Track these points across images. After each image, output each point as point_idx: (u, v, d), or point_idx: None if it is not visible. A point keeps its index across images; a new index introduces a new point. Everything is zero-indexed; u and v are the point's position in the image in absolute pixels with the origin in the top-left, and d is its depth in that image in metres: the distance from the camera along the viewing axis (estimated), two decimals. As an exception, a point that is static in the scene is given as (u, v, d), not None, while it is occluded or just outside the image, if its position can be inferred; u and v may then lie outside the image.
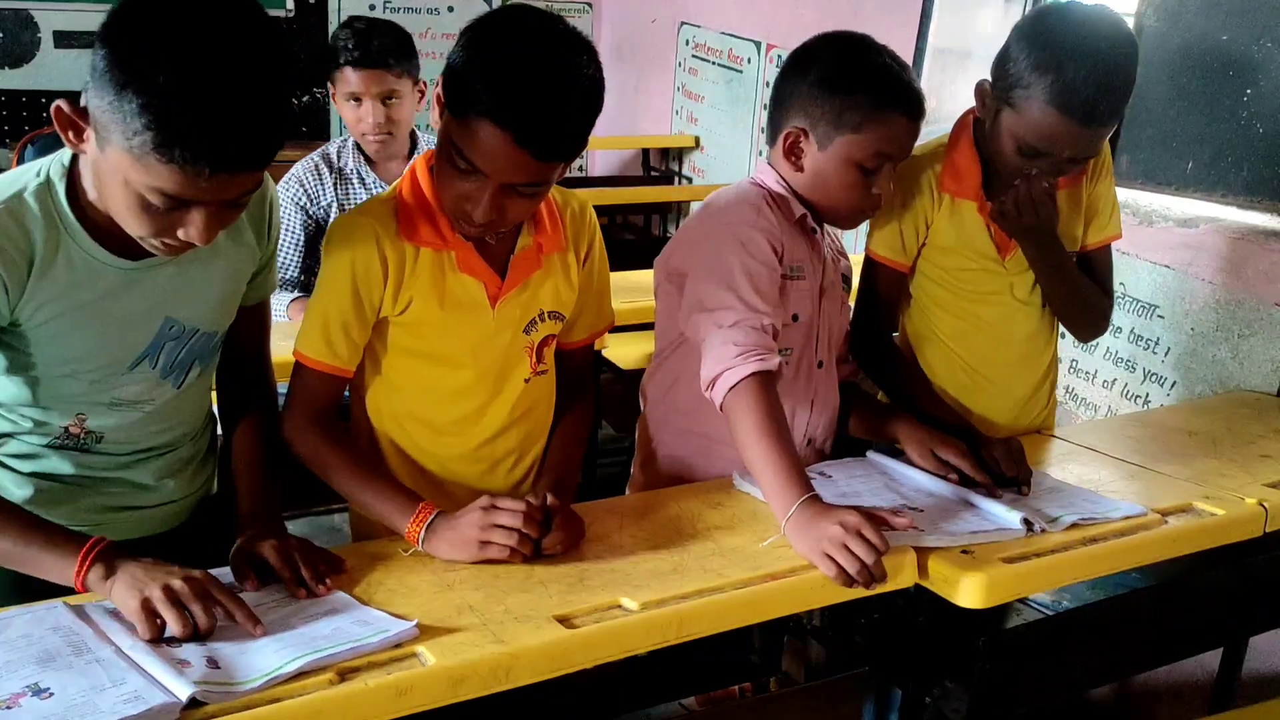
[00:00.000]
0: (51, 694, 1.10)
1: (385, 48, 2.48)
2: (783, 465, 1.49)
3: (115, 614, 1.25)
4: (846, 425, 1.90)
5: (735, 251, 1.63)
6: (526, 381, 1.62)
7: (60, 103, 1.20)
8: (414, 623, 1.25)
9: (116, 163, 1.18)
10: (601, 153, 5.19)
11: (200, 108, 1.13)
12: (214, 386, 1.60)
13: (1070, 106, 1.66)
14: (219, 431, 1.63)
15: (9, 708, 1.08)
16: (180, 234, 1.24)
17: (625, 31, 5.05)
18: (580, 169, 5.28)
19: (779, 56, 3.82)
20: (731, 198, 1.72)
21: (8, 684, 1.12)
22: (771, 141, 1.75)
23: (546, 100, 1.37)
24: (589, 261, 1.67)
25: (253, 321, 1.58)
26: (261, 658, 1.18)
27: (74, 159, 1.32)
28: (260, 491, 1.48)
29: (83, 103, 1.20)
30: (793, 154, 1.69)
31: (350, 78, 2.48)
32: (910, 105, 1.64)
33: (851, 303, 1.94)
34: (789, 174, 1.71)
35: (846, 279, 1.88)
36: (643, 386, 1.83)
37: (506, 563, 1.40)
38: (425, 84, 2.57)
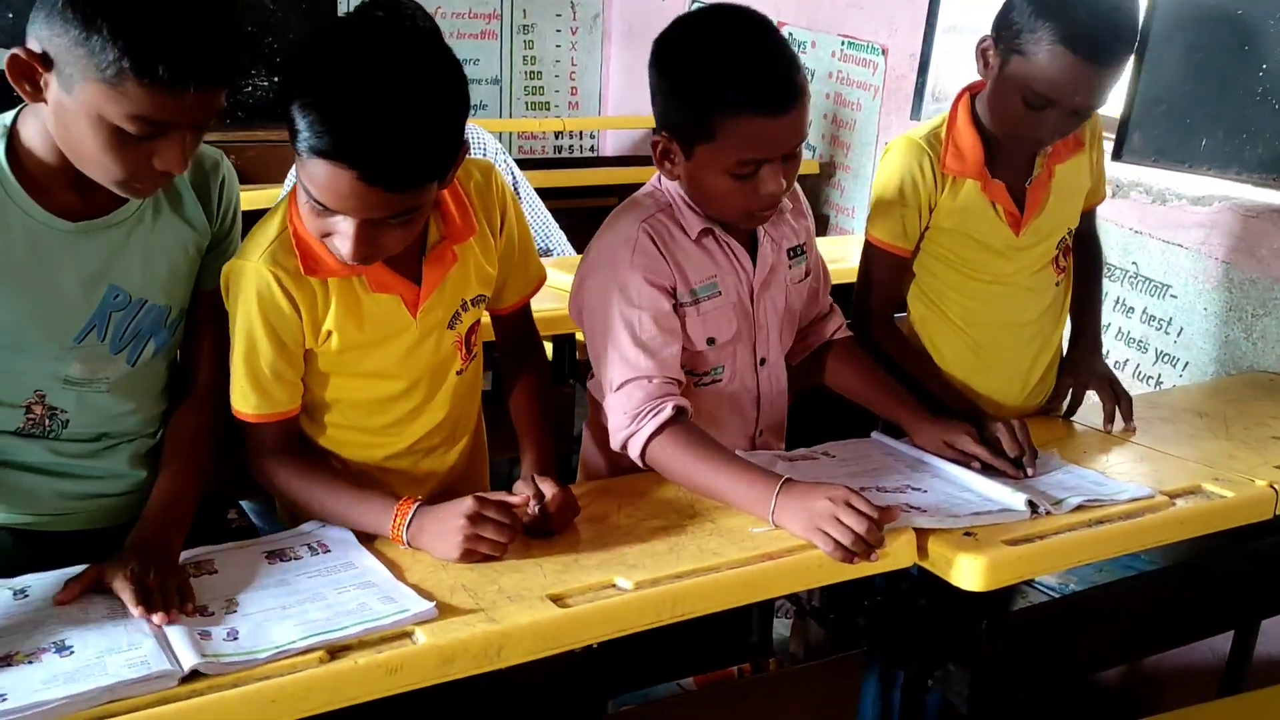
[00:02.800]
0: (72, 652, 1.14)
1: None
2: (735, 476, 1.48)
3: None
4: (842, 382, 1.83)
5: (614, 301, 1.55)
6: (459, 374, 1.59)
7: (17, 50, 1.19)
8: (433, 604, 1.24)
9: (87, 99, 1.18)
10: (612, 133, 5.17)
11: (173, 23, 1.15)
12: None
13: (1080, 44, 1.65)
14: None
15: (30, 662, 1.12)
16: (156, 163, 1.24)
17: (636, 11, 5.01)
18: (591, 149, 5.26)
19: (790, 34, 3.78)
20: (612, 232, 1.61)
21: (37, 639, 1.16)
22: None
23: (388, 129, 1.22)
24: (505, 228, 1.57)
25: (208, 307, 1.50)
26: (281, 630, 1.20)
27: (15, 121, 1.31)
28: (165, 503, 1.38)
29: (36, 48, 1.19)
30: (665, 161, 1.57)
31: None
32: (769, 103, 1.46)
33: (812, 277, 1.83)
34: (672, 181, 1.60)
35: (796, 251, 1.74)
36: (590, 389, 1.74)
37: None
38: None
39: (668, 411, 1.52)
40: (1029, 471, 1.65)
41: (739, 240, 1.65)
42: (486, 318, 1.65)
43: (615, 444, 1.57)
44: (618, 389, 1.55)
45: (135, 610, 1.20)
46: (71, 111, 1.20)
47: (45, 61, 1.19)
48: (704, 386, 1.68)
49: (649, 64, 1.58)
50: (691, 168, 1.55)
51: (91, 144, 1.22)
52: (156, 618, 1.19)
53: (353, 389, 1.52)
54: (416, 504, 1.39)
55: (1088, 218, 2.06)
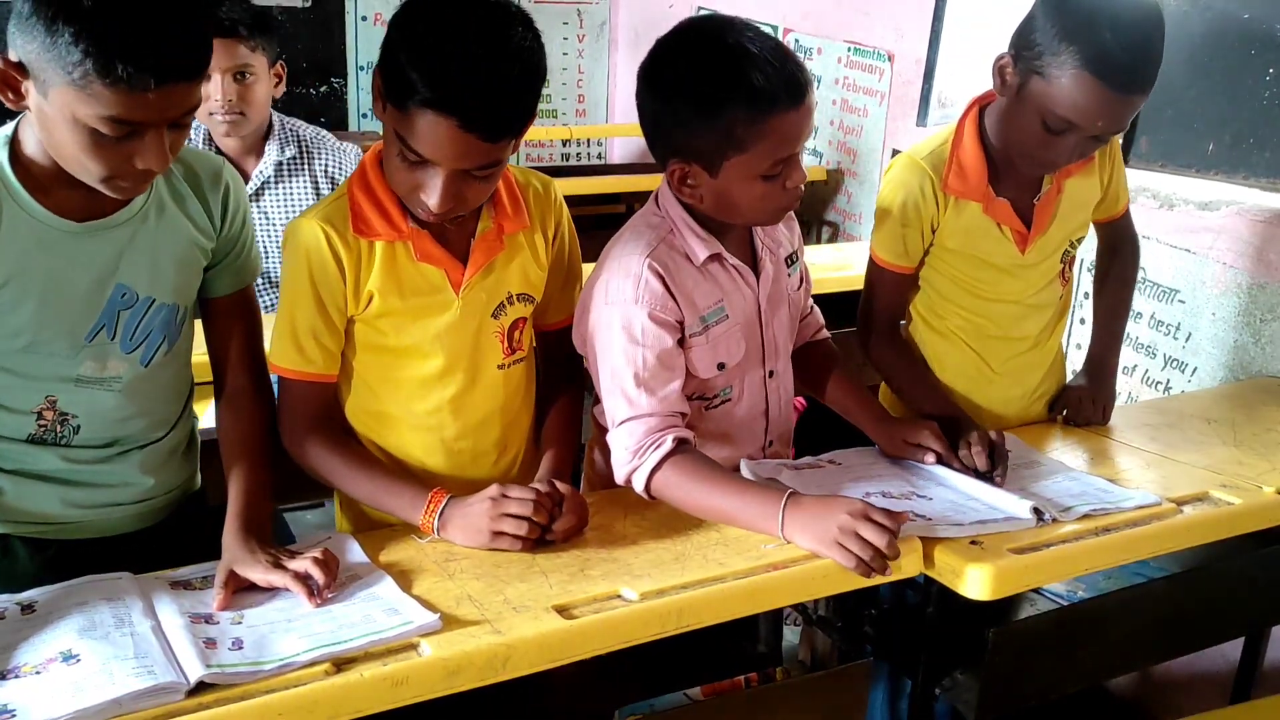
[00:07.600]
0: (79, 661, 1.15)
1: (236, 17, 2.28)
2: (739, 496, 1.48)
3: (174, 586, 1.32)
4: (816, 386, 1.83)
5: (619, 337, 1.54)
6: (501, 368, 1.60)
7: None
8: (437, 616, 1.25)
9: (61, 102, 1.20)
10: (620, 140, 5.17)
11: (133, 22, 1.17)
12: (194, 378, 1.59)
13: (1107, 73, 1.60)
14: (198, 426, 1.62)
15: (37, 672, 1.13)
16: (138, 163, 1.26)
17: (643, 16, 5.02)
18: (598, 156, 5.26)
19: (796, 40, 3.79)
20: (616, 264, 1.57)
21: (44, 651, 1.17)
22: (660, 164, 1.59)
23: (486, 80, 1.34)
24: (558, 241, 1.64)
25: (231, 313, 1.56)
26: (286, 641, 1.20)
27: (17, 128, 1.34)
28: (245, 500, 1.43)
29: (13, 57, 1.22)
30: (685, 187, 1.55)
31: None
32: (789, 93, 1.46)
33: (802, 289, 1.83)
34: (692, 204, 1.57)
35: (791, 259, 1.74)
36: (595, 415, 1.72)
37: (516, 550, 1.41)
38: (283, 66, 2.42)
39: (668, 444, 1.51)
40: (998, 481, 1.62)
41: (742, 259, 1.65)
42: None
43: (619, 479, 1.56)
44: (619, 425, 1.55)
45: (310, 601, 1.28)
46: (50, 116, 1.23)
47: (21, 69, 1.22)
48: (714, 409, 1.68)
49: (641, 98, 1.55)
50: (720, 184, 1.52)
51: (71, 146, 1.24)
52: (330, 592, 1.29)
53: (393, 368, 1.56)
54: (448, 496, 1.45)
55: (1119, 228, 2.05)
